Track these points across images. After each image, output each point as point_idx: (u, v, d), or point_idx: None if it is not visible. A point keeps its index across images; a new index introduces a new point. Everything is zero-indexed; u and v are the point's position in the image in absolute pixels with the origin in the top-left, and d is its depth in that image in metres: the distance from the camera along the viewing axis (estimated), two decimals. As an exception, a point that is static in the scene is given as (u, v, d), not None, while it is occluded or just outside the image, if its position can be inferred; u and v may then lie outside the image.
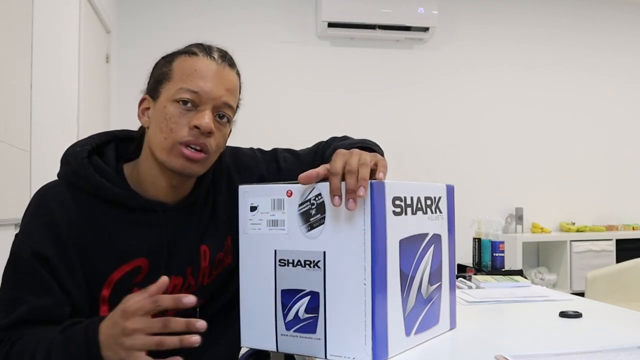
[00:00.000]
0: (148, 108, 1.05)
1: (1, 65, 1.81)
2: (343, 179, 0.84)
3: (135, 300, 0.84)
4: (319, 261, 0.89)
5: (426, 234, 0.98)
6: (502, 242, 2.11)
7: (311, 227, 0.89)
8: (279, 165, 1.20)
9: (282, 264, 0.92)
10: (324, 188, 0.88)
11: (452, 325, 1.06)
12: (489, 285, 1.54)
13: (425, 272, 0.97)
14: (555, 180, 4.54)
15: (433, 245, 0.99)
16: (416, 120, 4.35)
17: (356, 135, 1.21)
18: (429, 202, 0.99)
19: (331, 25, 4.08)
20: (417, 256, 0.95)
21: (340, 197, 0.83)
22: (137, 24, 3.93)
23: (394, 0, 4.12)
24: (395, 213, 0.89)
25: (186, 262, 1.06)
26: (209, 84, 1.00)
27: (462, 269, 2.22)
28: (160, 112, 1.01)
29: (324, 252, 0.88)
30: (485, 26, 4.49)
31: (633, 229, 4.42)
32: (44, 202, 0.99)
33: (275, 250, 0.93)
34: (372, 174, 0.87)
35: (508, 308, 1.30)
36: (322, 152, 1.20)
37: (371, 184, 0.84)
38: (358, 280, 0.85)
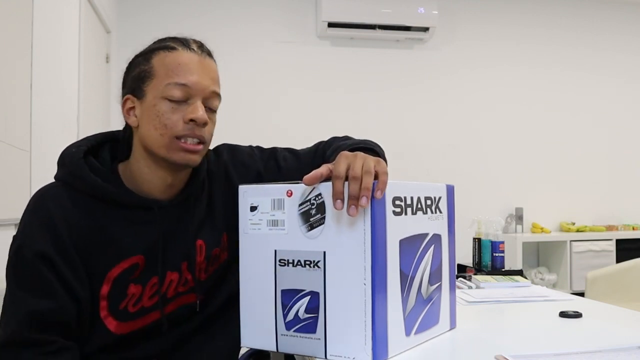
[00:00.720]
0: (133, 107, 1.05)
1: (1, 65, 1.81)
2: (345, 179, 0.84)
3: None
4: (319, 261, 0.89)
5: (426, 234, 0.98)
6: (502, 242, 2.11)
7: (311, 227, 0.89)
8: (278, 164, 1.20)
9: (282, 264, 0.92)
10: (324, 188, 0.88)
11: (453, 325, 1.06)
12: (489, 285, 1.54)
13: (426, 272, 0.97)
14: (555, 180, 4.54)
15: (433, 245, 0.99)
16: (416, 120, 4.35)
17: (356, 135, 1.21)
18: (429, 202, 0.99)
19: (331, 25, 4.08)
20: (417, 256, 0.95)
21: (342, 200, 0.84)
22: (137, 24, 3.93)
23: (394, 0, 4.12)
24: (395, 213, 0.89)
25: (182, 257, 1.07)
26: (195, 76, 1.01)
27: (462, 269, 2.22)
28: (151, 110, 1.01)
29: (324, 252, 0.88)
30: (485, 26, 4.49)
31: (633, 229, 4.42)
32: (42, 203, 1.00)
33: (275, 250, 0.93)
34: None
35: (508, 308, 1.30)
36: (322, 152, 1.20)
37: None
38: (358, 280, 0.85)
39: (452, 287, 1.06)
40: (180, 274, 1.06)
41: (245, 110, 3.98)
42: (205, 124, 1.02)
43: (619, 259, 4.08)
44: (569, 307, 1.22)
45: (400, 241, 0.90)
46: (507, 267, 2.11)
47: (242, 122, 3.85)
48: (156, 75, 1.02)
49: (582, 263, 4.13)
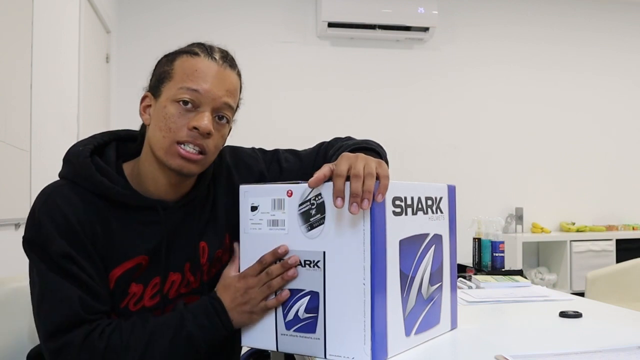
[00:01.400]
0: (149, 105, 1.06)
1: (1, 65, 1.81)
2: (347, 180, 0.85)
3: (248, 267, 0.98)
4: (318, 261, 0.89)
5: (427, 234, 0.98)
6: (502, 242, 2.11)
7: (311, 227, 0.89)
8: (280, 166, 1.20)
9: (282, 264, 0.92)
10: (324, 188, 0.88)
11: (454, 325, 1.06)
12: (489, 285, 1.54)
13: (426, 272, 0.97)
14: (555, 181, 4.54)
15: (434, 246, 0.99)
16: (416, 120, 4.35)
17: (357, 135, 1.21)
18: (429, 202, 0.99)
19: (331, 25, 4.08)
20: (417, 256, 0.95)
21: (343, 199, 0.84)
22: (137, 24, 3.93)
23: (394, 0, 4.11)
24: (395, 213, 0.89)
25: (185, 259, 1.07)
26: (209, 85, 1.00)
27: (462, 269, 2.22)
28: (161, 111, 1.01)
29: (324, 252, 0.88)
30: (485, 26, 4.49)
31: (633, 229, 4.42)
32: (53, 203, 0.98)
33: (276, 250, 0.93)
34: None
35: (508, 308, 1.30)
36: (324, 153, 1.20)
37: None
38: (358, 281, 0.85)
39: (454, 288, 1.06)
40: (182, 275, 1.06)
41: (245, 110, 3.96)
42: (209, 134, 1.00)
43: (619, 259, 4.08)
44: (569, 307, 1.22)
45: (400, 241, 0.90)
46: (507, 267, 2.11)
47: (242, 122, 3.82)
48: (174, 77, 1.02)
49: (582, 263, 4.13)
